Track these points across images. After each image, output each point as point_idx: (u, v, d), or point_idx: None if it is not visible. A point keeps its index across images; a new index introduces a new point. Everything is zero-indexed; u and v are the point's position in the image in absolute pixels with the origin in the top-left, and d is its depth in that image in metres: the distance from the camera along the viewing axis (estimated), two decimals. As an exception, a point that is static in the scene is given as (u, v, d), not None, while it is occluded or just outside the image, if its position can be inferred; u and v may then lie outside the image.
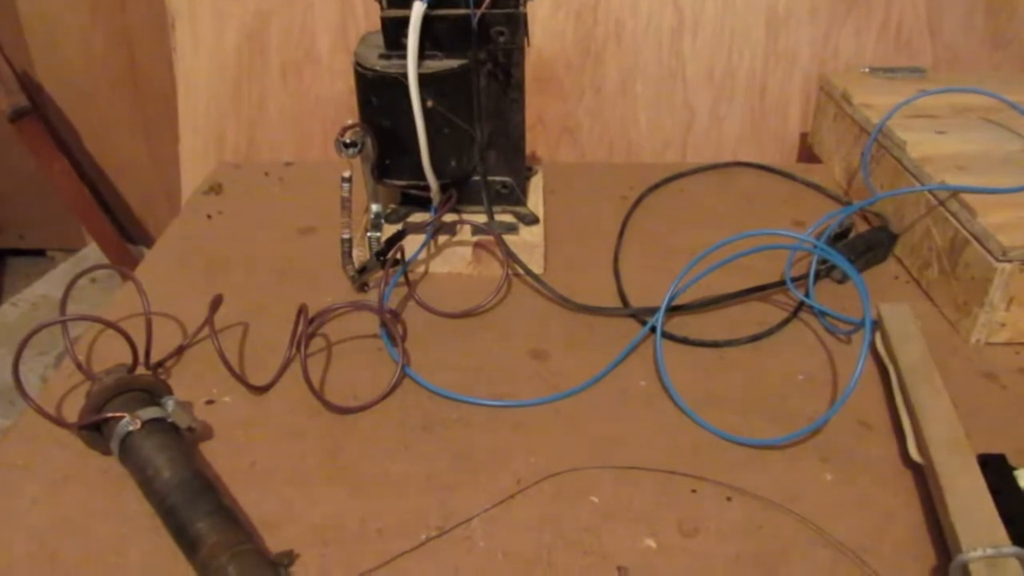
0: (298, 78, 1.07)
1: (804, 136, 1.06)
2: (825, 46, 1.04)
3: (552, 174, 0.85)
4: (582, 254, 0.74)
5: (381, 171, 0.68)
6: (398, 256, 0.67)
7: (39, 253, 1.51)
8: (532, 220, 0.72)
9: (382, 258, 0.65)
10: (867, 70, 0.92)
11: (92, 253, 1.35)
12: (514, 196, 0.72)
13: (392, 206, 0.73)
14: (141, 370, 0.57)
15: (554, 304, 0.67)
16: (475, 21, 0.63)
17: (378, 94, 0.65)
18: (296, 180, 0.88)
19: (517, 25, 0.64)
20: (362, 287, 0.68)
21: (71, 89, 1.35)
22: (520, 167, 0.72)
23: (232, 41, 1.07)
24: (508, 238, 0.69)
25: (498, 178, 0.72)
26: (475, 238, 0.70)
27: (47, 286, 1.29)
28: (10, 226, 1.48)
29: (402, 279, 0.67)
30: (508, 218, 0.72)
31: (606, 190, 0.85)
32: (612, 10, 1.04)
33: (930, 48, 1.03)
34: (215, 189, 0.84)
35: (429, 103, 0.64)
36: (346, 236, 0.65)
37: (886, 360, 0.58)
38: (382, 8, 0.64)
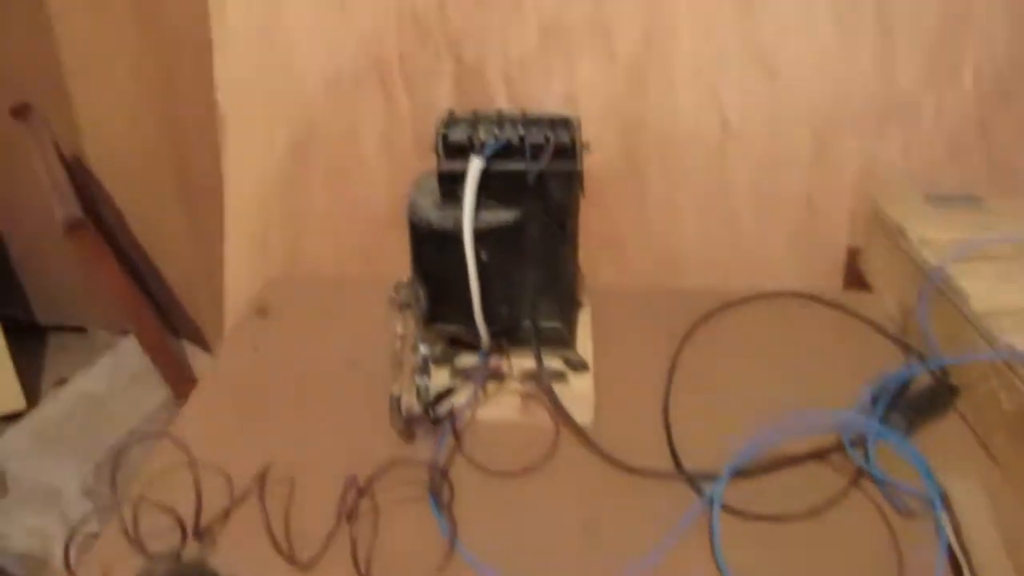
0: (344, 183, 1.07)
1: (852, 251, 1.04)
2: (874, 158, 1.03)
3: (597, 301, 0.84)
4: (631, 399, 0.72)
5: (431, 316, 0.68)
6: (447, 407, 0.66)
7: (80, 330, 1.53)
8: (581, 366, 0.71)
9: (431, 412, 0.64)
10: (922, 197, 0.91)
11: (133, 344, 1.36)
12: (563, 340, 0.71)
13: (440, 346, 0.72)
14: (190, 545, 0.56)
15: (605, 464, 0.65)
16: (531, 178, 0.63)
17: (432, 246, 0.65)
18: (343, 299, 0.88)
19: (573, 181, 0.65)
20: (410, 438, 0.67)
21: (120, 174, 1.37)
22: (570, 314, 0.71)
23: (281, 143, 1.08)
24: (557, 387, 0.68)
25: (548, 323, 0.71)
26: (524, 387, 0.69)
27: (89, 382, 1.30)
28: (53, 303, 1.50)
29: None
30: (557, 363, 0.71)
31: (653, 322, 0.84)
32: (658, 121, 1.03)
33: (983, 158, 1.01)
34: (261, 312, 0.84)
35: (484, 256, 0.63)
36: (396, 393, 0.64)
37: (956, 549, 0.56)
38: (439, 162, 0.64)
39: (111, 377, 1.27)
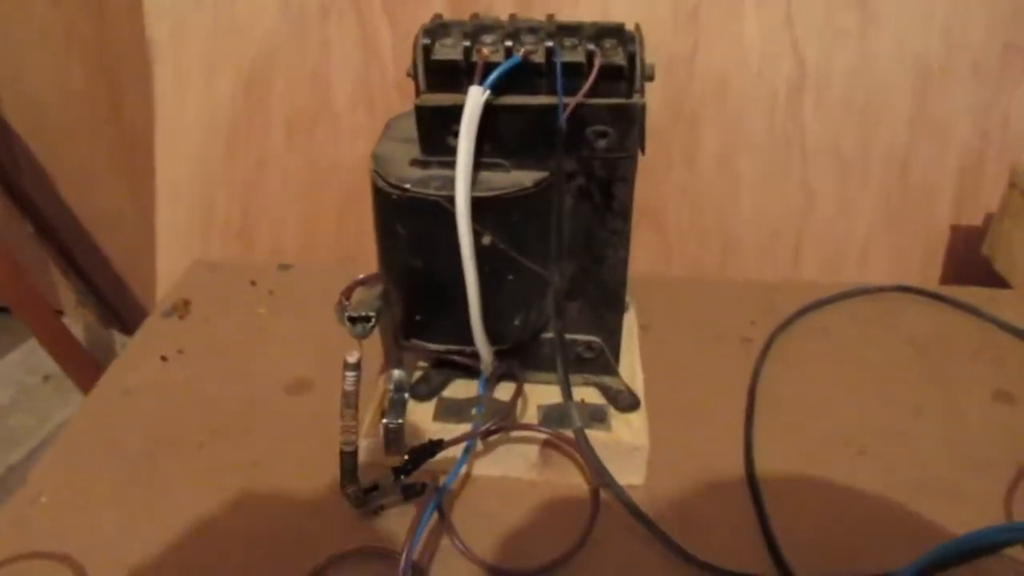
0: (308, 137, 0.84)
1: (956, 230, 0.82)
2: (991, 112, 0.80)
3: (640, 293, 0.61)
4: (699, 445, 0.50)
5: (408, 330, 0.45)
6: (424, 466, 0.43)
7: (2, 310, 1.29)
8: (629, 402, 0.48)
9: (403, 480, 0.42)
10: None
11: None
12: (602, 362, 0.49)
13: (420, 370, 0.50)
14: None
15: (665, 551, 0.43)
16: (563, 117, 0.40)
17: (408, 224, 0.42)
18: (293, 293, 0.65)
19: (630, 123, 0.41)
20: (372, 512, 0.45)
21: (41, 124, 1.13)
22: (615, 324, 0.48)
23: (226, 89, 0.84)
24: (596, 435, 0.45)
25: (581, 337, 0.48)
26: (544, 431, 0.46)
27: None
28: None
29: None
30: (592, 394, 0.49)
31: (719, 325, 0.61)
32: (714, 62, 0.80)
33: None
34: (179, 309, 0.61)
35: (487, 239, 0.41)
36: (349, 448, 0.41)
37: None
38: (418, 93, 0.41)
39: (21, 375, 1.05)
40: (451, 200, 0.39)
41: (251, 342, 0.59)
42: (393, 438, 0.45)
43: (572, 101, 0.40)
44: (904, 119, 0.80)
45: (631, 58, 0.40)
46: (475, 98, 0.39)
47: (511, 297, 0.44)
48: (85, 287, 1.20)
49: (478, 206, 0.40)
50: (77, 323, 1.23)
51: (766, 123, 0.81)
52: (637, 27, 0.42)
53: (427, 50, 0.41)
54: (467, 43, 0.40)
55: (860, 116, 0.80)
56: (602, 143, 0.42)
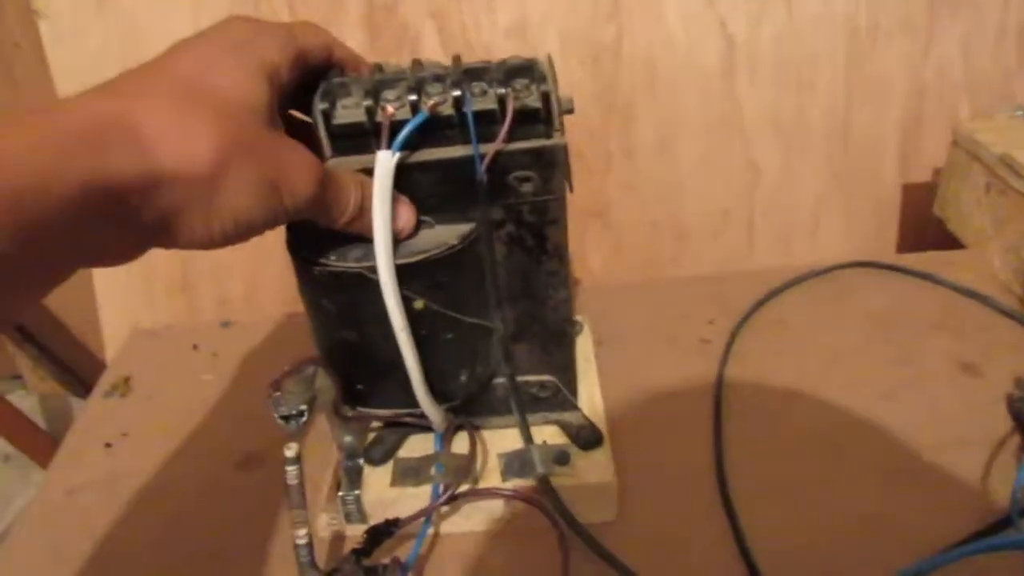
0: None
1: (906, 189, 0.81)
2: (925, 64, 0.78)
3: (594, 304, 0.59)
4: (669, 465, 0.48)
5: (351, 399, 0.43)
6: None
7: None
8: (592, 438, 0.46)
9: (364, 563, 0.40)
10: (1020, 114, 0.66)
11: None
12: (559, 399, 0.47)
13: (373, 431, 0.48)
14: None
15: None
16: (482, 169, 0.38)
17: (334, 298, 0.39)
18: (237, 354, 0.63)
19: (552, 165, 0.39)
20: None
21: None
22: (566, 359, 0.46)
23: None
24: (561, 482, 0.44)
25: (534, 377, 0.46)
26: (508, 484, 0.45)
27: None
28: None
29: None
30: (553, 433, 0.47)
31: (676, 328, 0.60)
32: (639, 47, 0.78)
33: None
34: (119, 388, 0.58)
35: (419, 304, 0.39)
36: (302, 540, 0.39)
37: None
38: (321, 158, 0.39)
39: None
40: (374, 270, 0.37)
41: (197, 415, 0.56)
42: (351, 509, 0.44)
43: (488, 151, 0.38)
44: (839, 83, 0.79)
45: (546, 98, 0.37)
46: (384, 164, 0.36)
47: (454, 355, 0.42)
48: (40, 352, 1.16)
49: (404, 272, 0.37)
50: (34, 391, 1.20)
51: (701, 104, 0.79)
52: (549, 59, 0.40)
53: (327, 115, 0.38)
54: (369, 102, 0.37)
55: (795, 85, 0.79)
56: (527, 187, 0.39)
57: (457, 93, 0.37)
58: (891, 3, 0.77)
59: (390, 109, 0.37)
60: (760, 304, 0.60)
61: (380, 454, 0.46)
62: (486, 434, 0.47)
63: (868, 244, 0.81)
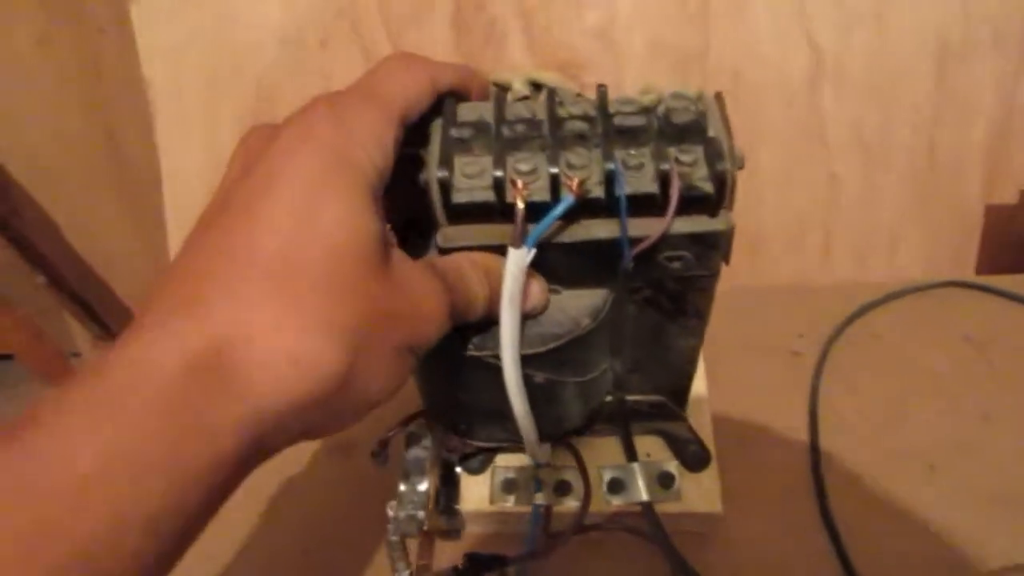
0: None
1: (989, 210, 0.80)
2: (1016, 84, 0.77)
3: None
4: (767, 484, 0.48)
5: (452, 429, 0.42)
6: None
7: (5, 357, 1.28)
8: (699, 458, 0.46)
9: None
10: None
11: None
12: (666, 411, 0.46)
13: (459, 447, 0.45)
14: None
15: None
16: (629, 257, 0.32)
17: (448, 373, 0.37)
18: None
19: (714, 248, 0.33)
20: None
21: (42, 172, 1.11)
22: (683, 387, 0.45)
23: (229, 128, 0.82)
24: (666, 509, 0.43)
25: (644, 398, 0.44)
26: (606, 508, 0.44)
27: None
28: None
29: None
30: (656, 445, 0.47)
31: (765, 336, 0.59)
32: (726, 58, 0.77)
33: None
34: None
35: (539, 378, 0.36)
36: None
37: None
38: (440, 235, 0.33)
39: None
40: (497, 356, 0.32)
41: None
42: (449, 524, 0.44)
43: (641, 247, 0.31)
44: (927, 99, 0.78)
45: (720, 180, 0.30)
46: (517, 263, 0.30)
47: (567, 407, 0.40)
48: (101, 330, 1.18)
49: (529, 358, 0.34)
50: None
51: (785, 116, 0.78)
52: (720, 103, 0.33)
53: (445, 187, 0.31)
54: (498, 172, 0.30)
55: (881, 99, 0.78)
56: (677, 265, 0.34)
57: (609, 166, 0.30)
58: (985, 21, 0.76)
59: (522, 184, 0.30)
60: (852, 319, 0.60)
61: (478, 464, 0.46)
62: (587, 457, 0.46)
63: (947, 263, 0.80)
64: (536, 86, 0.36)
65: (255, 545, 0.47)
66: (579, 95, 0.34)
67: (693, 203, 0.31)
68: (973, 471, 0.48)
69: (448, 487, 0.45)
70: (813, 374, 0.55)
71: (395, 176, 0.29)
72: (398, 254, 0.28)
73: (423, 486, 0.38)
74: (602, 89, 0.33)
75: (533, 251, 0.30)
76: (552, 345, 0.34)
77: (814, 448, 0.50)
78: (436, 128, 0.32)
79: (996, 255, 0.80)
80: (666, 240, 0.32)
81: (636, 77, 0.76)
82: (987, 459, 0.49)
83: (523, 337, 0.33)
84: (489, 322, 0.32)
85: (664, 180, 0.30)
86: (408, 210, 0.33)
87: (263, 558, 0.46)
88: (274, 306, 0.23)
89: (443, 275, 0.29)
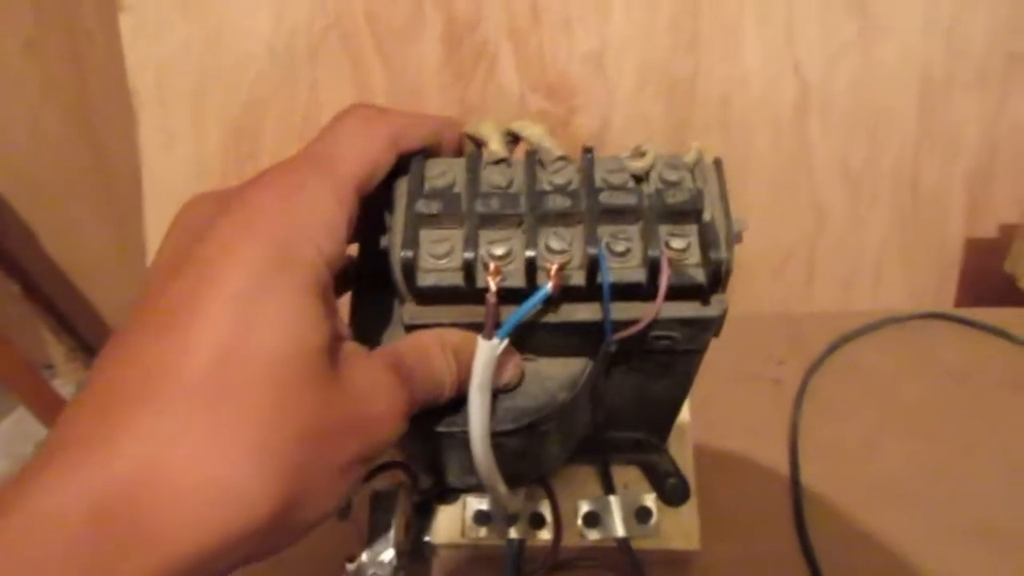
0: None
1: (970, 243, 0.80)
2: (999, 119, 0.78)
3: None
4: (746, 517, 0.48)
5: (427, 472, 0.41)
6: None
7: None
8: (679, 492, 0.45)
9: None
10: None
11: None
12: (646, 445, 0.45)
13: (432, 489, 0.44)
14: None
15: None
16: (611, 342, 0.30)
17: (421, 444, 0.35)
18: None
19: (705, 331, 0.31)
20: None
21: (23, 182, 1.09)
22: (665, 426, 0.44)
23: (215, 139, 0.81)
24: (642, 545, 0.43)
25: (627, 435, 0.43)
26: (581, 542, 0.44)
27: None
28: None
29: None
30: (635, 479, 0.46)
31: (744, 366, 0.59)
32: (715, 82, 0.78)
33: None
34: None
35: (514, 444, 0.33)
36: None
37: None
38: (405, 312, 0.30)
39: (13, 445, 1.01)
40: (466, 433, 0.30)
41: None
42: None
43: (625, 333, 0.29)
44: (911, 132, 0.79)
45: (715, 270, 0.28)
46: (488, 353, 0.28)
47: (542, 460, 0.38)
48: (76, 343, 1.17)
49: (502, 433, 0.31)
50: (68, 380, 1.20)
51: (771, 145, 0.79)
52: (718, 170, 0.31)
53: (409, 269, 0.28)
54: (468, 254, 0.27)
55: (866, 131, 0.79)
56: (664, 344, 0.31)
57: (592, 251, 0.27)
58: (967, 57, 0.77)
59: (494, 268, 0.27)
60: (833, 348, 0.60)
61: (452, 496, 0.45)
62: (560, 492, 0.45)
63: (928, 295, 0.81)
64: (515, 138, 0.32)
65: None
66: (563, 157, 0.31)
67: (684, 291, 0.28)
68: (951, 503, 0.48)
69: (420, 518, 0.44)
70: (794, 403, 0.55)
71: (357, 232, 0.27)
72: (349, 350, 0.25)
73: (387, 556, 0.35)
74: (588, 156, 0.30)
75: (505, 342, 0.28)
76: (525, 422, 0.31)
77: (794, 478, 0.49)
78: (402, 192, 0.29)
79: (976, 289, 0.80)
80: (653, 325, 0.29)
81: (625, 102, 0.76)
82: (965, 491, 0.49)
83: (494, 413, 0.30)
84: (459, 398, 0.30)
85: (653, 267, 0.27)
86: (374, 262, 0.31)
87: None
88: (197, 434, 0.21)
89: (402, 363, 0.27)
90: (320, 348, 0.23)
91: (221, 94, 0.80)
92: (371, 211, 0.29)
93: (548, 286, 0.27)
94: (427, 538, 0.43)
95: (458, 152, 0.32)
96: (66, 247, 1.13)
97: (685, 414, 0.48)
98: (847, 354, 0.60)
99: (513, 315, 0.27)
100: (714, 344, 0.55)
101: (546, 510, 0.44)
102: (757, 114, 0.78)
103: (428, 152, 0.30)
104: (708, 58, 0.77)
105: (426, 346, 0.28)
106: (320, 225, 0.25)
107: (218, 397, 0.21)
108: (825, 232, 0.81)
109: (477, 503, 0.44)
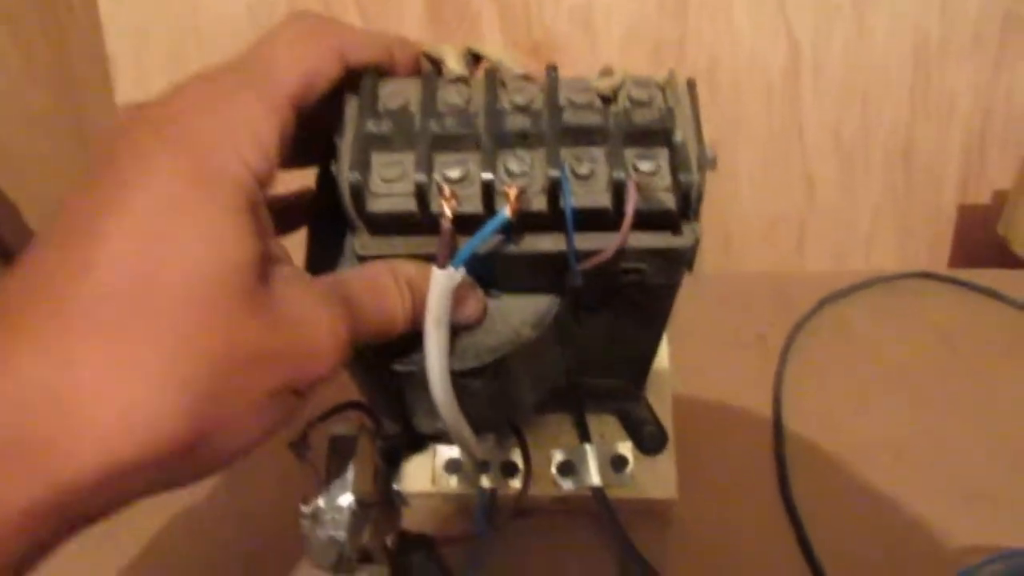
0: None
1: (963, 210, 0.79)
2: (994, 86, 0.77)
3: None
4: (727, 470, 0.46)
5: (392, 419, 0.38)
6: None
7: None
8: (656, 440, 0.43)
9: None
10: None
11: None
12: (623, 392, 0.44)
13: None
14: None
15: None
16: (576, 275, 0.28)
17: (380, 384, 0.34)
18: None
19: (677, 263, 0.29)
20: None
21: (5, 158, 1.08)
22: (641, 371, 0.42)
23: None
24: (618, 494, 0.41)
25: (602, 381, 0.41)
26: (555, 492, 0.42)
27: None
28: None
29: None
30: (611, 429, 0.44)
31: (732, 323, 0.58)
32: (704, 45, 0.76)
33: None
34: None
35: (478, 386, 0.31)
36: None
37: None
38: (351, 227, 0.28)
39: None
40: (424, 371, 0.28)
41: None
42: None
43: (590, 263, 0.27)
44: (904, 98, 0.77)
45: (685, 193, 0.26)
46: (443, 283, 0.26)
47: (511, 404, 0.36)
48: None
49: (463, 373, 0.29)
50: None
51: (762, 110, 0.77)
52: (691, 90, 0.29)
53: (358, 193, 0.26)
54: (421, 176, 0.26)
55: (859, 98, 0.77)
56: (634, 277, 0.30)
57: (553, 173, 0.25)
58: (963, 23, 0.75)
59: (450, 192, 0.26)
60: (820, 306, 0.58)
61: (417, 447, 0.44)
62: (538, 438, 0.44)
63: (920, 261, 0.79)
64: (476, 58, 0.30)
65: (196, 550, 0.44)
66: (525, 76, 0.29)
67: (653, 217, 0.27)
68: (937, 461, 0.46)
69: (389, 466, 0.42)
70: (779, 360, 0.54)
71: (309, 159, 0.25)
72: (285, 273, 0.23)
73: (345, 501, 0.33)
74: (552, 74, 0.28)
75: (462, 270, 0.26)
76: (488, 360, 0.29)
77: (777, 434, 0.48)
78: (352, 112, 0.27)
79: (969, 255, 0.79)
80: (621, 254, 0.27)
81: (612, 62, 0.74)
82: (951, 451, 0.47)
83: (454, 351, 0.29)
84: (415, 333, 0.28)
85: (619, 191, 0.26)
86: (331, 196, 0.28)
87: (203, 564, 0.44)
88: (100, 356, 0.19)
89: (347, 291, 0.25)
90: (242, 266, 0.21)
91: (199, 60, 0.79)
92: (328, 138, 0.28)
93: (507, 211, 0.25)
94: (396, 486, 0.41)
95: (414, 73, 0.30)
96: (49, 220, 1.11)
97: (664, 361, 0.46)
98: (834, 313, 0.59)
99: (469, 242, 0.26)
100: (697, 300, 0.53)
101: (519, 459, 0.42)
102: (748, 75, 0.76)
103: (382, 71, 0.28)
104: (697, 17, 0.75)
105: (375, 275, 0.26)
106: (246, 135, 0.23)
107: (123, 318, 0.20)
108: (816, 199, 0.79)
109: (448, 452, 0.43)
